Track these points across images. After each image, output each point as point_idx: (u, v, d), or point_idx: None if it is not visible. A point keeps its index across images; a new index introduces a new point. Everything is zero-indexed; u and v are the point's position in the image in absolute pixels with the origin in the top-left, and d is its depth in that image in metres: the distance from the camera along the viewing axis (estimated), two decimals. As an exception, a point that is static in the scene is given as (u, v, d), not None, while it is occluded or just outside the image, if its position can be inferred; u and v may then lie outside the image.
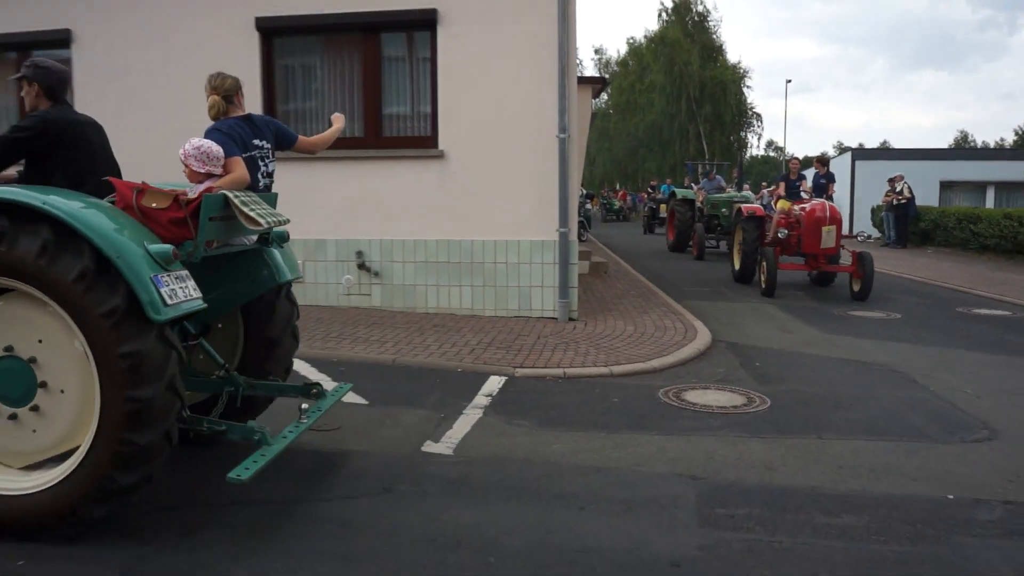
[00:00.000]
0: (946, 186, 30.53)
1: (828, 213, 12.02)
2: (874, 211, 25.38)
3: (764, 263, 12.32)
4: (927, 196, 28.01)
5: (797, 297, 12.45)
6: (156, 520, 4.07)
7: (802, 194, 13.46)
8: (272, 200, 4.53)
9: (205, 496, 4.36)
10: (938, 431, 5.82)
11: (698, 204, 21.31)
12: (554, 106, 9.19)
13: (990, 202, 30.27)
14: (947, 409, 6.35)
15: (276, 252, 4.71)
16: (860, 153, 30.99)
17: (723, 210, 19.82)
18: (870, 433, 5.75)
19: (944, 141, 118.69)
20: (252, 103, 9.44)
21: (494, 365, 7.17)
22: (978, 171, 30.41)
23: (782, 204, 13.42)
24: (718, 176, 23.03)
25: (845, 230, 24.93)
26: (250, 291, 4.62)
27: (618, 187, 58.60)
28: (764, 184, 34.90)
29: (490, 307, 9.63)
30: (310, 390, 4.85)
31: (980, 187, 30.53)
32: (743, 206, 14.54)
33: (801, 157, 14.53)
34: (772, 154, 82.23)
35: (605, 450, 5.24)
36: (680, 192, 22.37)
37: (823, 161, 13.88)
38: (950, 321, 10.53)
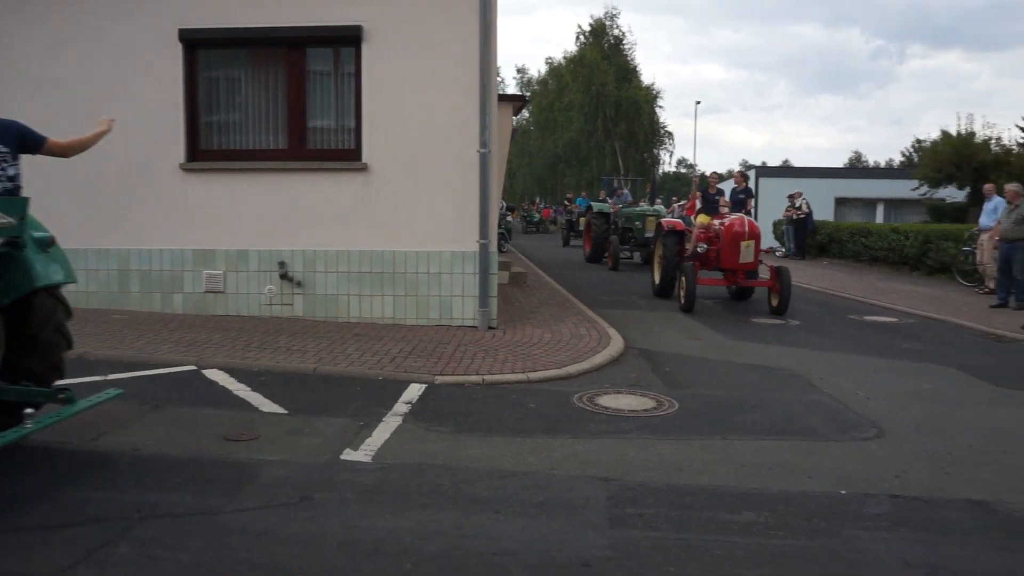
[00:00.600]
0: (841, 202, 31.19)
1: (747, 228, 11.76)
2: (776, 224, 25.96)
3: (683, 278, 11.68)
4: (823, 211, 28.63)
5: (713, 310, 12.07)
6: (61, 538, 3.89)
7: (721, 209, 13.02)
8: (15, 204, 4.41)
9: (114, 511, 4.19)
10: (832, 431, 5.94)
11: (613, 217, 21.37)
12: (475, 122, 9.14)
13: (880, 217, 30.80)
14: (840, 410, 6.46)
15: (33, 256, 4.61)
16: (763, 171, 31.70)
17: (636, 223, 19.82)
18: (770, 433, 5.84)
19: (839, 160, 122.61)
20: (174, 114, 9.30)
21: (415, 373, 7.09)
22: (869, 189, 30.96)
23: (701, 219, 13.04)
24: (625, 192, 23.14)
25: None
26: (2, 295, 4.58)
27: (539, 201, 58.70)
28: (675, 199, 34.95)
29: (412, 316, 9.50)
30: (58, 395, 4.71)
31: (871, 203, 31.08)
32: (664, 220, 14.22)
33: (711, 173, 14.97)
34: (683, 170, 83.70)
35: (521, 455, 5.24)
36: (596, 205, 22.40)
37: (743, 176, 13.97)
38: (844, 328, 10.70)
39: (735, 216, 12.14)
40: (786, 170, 35.22)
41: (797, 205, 23.26)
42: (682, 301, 11.71)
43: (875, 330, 10.54)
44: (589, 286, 15.03)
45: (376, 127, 9.37)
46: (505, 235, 23.41)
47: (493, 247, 9.47)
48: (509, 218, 29.67)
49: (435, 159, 9.40)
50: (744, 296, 13.29)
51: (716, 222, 12.57)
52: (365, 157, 9.43)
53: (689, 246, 13.02)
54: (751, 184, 29.47)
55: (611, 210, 21.53)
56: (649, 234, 19.44)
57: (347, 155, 9.46)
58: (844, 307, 12.82)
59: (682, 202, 27.10)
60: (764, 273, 13.23)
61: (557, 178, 53.59)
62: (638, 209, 20.45)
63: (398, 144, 9.39)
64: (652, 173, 27.14)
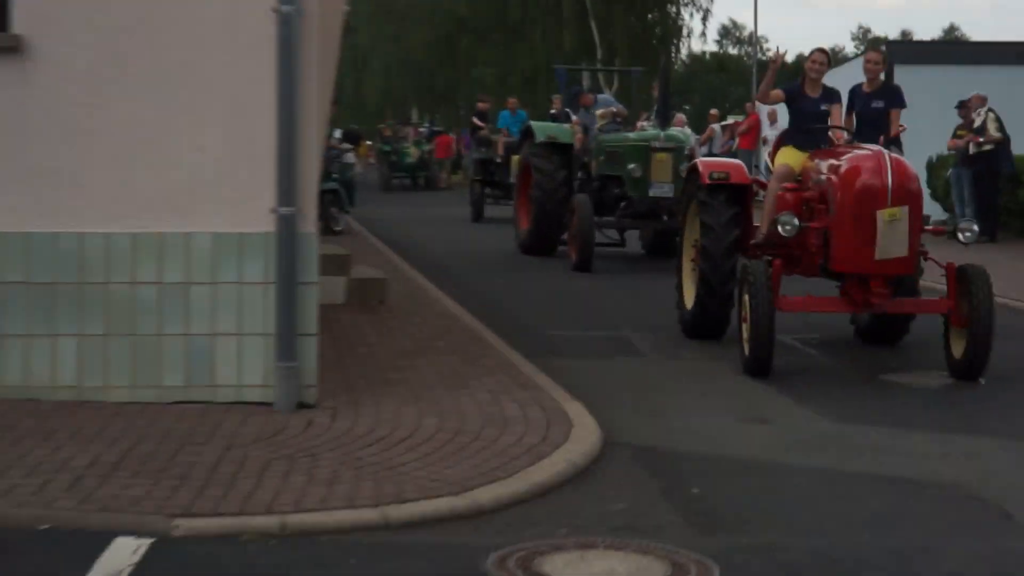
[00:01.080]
0: None
1: (891, 179, 10.50)
2: (931, 167, 24.96)
3: (747, 296, 10.83)
4: None
5: (807, 362, 11.73)
6: None
7: (833, 135, 12.09)
8: None
9: None
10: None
11: (579, 151, 20.74)
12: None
13: None
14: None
15: None
16: (904, 49, 29.94)
17: (630, 165, 18.93)
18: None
19: None
20: None
21: (126, 512, 6.94)
22: None
23: (785, 157, 11.90)
24: (604, 97, 22.17)
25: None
26: None
27: (417, 120, 56.98)
28: (714, 115, 33.50)
29: (123, 382, 9.29)
30: None
31: None
32: (699, 160, 13.08)
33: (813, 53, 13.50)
34: (733, 50, 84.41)
35: None
36: (541, 128, 21.31)
37: (880, 58, 12.82)
38: None
39: (866, 151, 11.06)
40: (951, 49, 32.57)
41: (978, 125, 22.24)
42: (746, 352, 10.86)
43: None
44: (529, 308, 14.99)
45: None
46: (339, 196, 22.91)
47: (311, 222, 9.25)
48: (350, 159, 27.79)
49: (176, 30, 9.35)
50: (891, 333, 12.47)
51: (820, 163, 11.58)
52: (19, 25, 9.28)
53: (760, 225, 12.22)
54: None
55: (574, 137, 20.78)
56: (660, 188, 18.91)
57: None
58: None
59: (732, 120, 25.76)
60: (933, 281, 12.82)
61: (457, 69, 55.20)
62: (633, 136, 19.80)
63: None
64: (663, 58, 24.78)
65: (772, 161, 12.98)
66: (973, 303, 10.63)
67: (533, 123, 22.08)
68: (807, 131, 12.30)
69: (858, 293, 11.07)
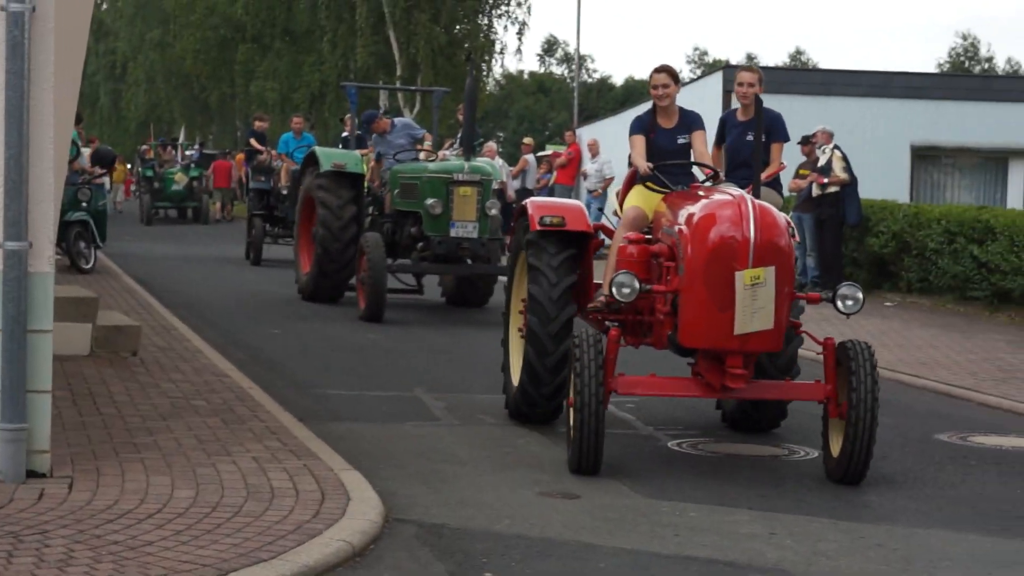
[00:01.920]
0: (924, 155, 31.49)
1: (753, 231, 9.66)
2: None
3: (574, 372, 9.92)
4: (887, 176, 27.63)
5: (637, 439, 11.53)
6: None
7: (694, 171, 11.42)
8: None
9: None
10: None
11: (369, 183, 20.79)
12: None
13: (1016, 193, 31.19)
14: None
15: None
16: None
17: (428, 200, 18.75)
18: None
19: (924, 60, 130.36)
20: None
21: None
22: (993, 124, 30.84)
23: (636, 199, 11.13)
24: (407, 122, 22.27)
25: None
26: None
27: (184, 142, 56.38)
28: (528, 144, 34.42)
29: None
30: None
31: (996, 159, 32.35)
32: (530, 202, 12.18)
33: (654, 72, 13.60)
34: (558, 70, 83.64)
35: None
36: (327, 155, 21.06)
37: (751, 80, 12.30)
38: (928, 466, 10.86)
39: (724, 196, 10.24)
40: (799, 78, 33.76)
41: (822, 164, 22.89)
42: (575, 444, 10.06)
43: (1000, 471, 10.87)
44: (307, 364, 15.19)
45: None
46: (89, 229, 22.65)
47: (46, 260, 9.18)
48: (106, 187, 27.34)
49: None
50: (763, 419, 12.08)
51: (673, 210, 10.74)
52: None
53: (602, 283, 11.48)
54: (708, 107, 29.00)
55: (365, 167, 20.80)
56: (464, 228, 18.88)
57: None
58: (930, 412, 13.38)
59: (550, 150, 25.87)
60: (807, 360, 12.04)
61: (233, 83, 53.51)
62: (432, 167, 19.67)
63: None
64: (471, 78, 24.30)
65: (620, 204, 12.17)
66: (852, 393, 9.78)
67: (318, 149, 21.98)
68: (662, 169, 11.59)
69: (713, 374, 10.14)
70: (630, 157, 12.14)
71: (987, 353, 16.99)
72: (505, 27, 53.40)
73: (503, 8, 48.12)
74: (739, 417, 12.18)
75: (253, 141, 31.77)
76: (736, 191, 10.39)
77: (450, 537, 8.38)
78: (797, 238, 11.70)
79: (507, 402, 12.35)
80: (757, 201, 10.11)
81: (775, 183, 12.35)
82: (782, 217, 10.20)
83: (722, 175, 11.82)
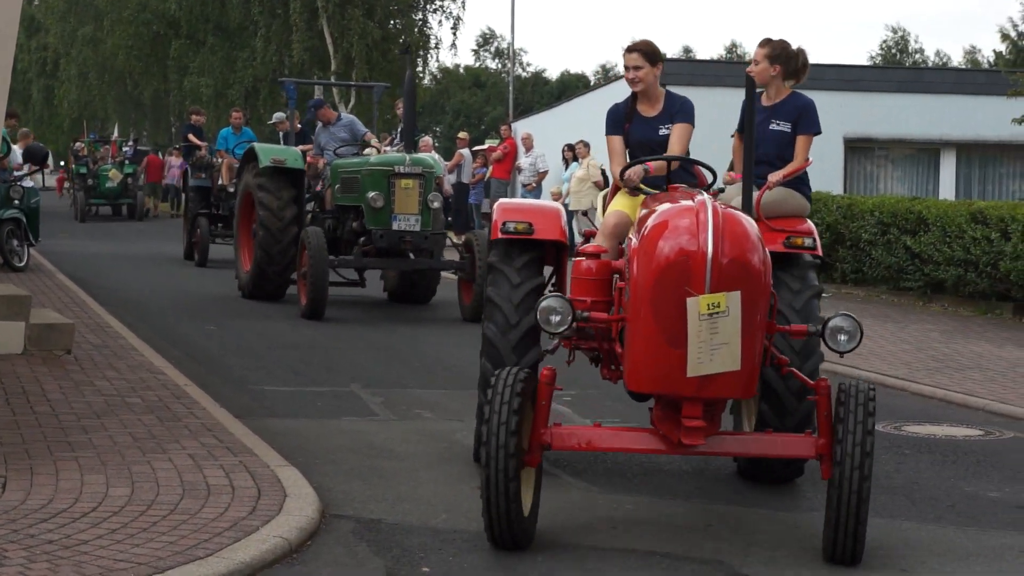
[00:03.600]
0: (856, 148, 32.80)
1: (711, 245, 7.53)
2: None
3: (485, 426, 7.86)
4: (822, 169, 27.39)
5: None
6: None
7: (698, 169, 9.43)
8: None
9: None
10: None
11: (312, 180, 20.59)
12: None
13: (947, 185, 32.32)
14: None
15: None
16: (682, 69, 31.75)
17: (370, 194, 18.35)
18: None
19: (856, 52, 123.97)
20: None
21: None
22: (925, 117, 32.69)
23: (621, 202, 9.24)
24: (350, 117, 21.91)
25: None
26: None
27: (115, 135, 56.25)
28: (463, 139, 34.40)
29: None
30: None
31: (928, 151, 33.21)
32: (501, 204, 10.17)
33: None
34: (493, 64, 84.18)
35: None
36: (266, 151, 20.70)
37: (768, 55, 10.03)
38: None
39: (683, 202, 8.09)
40: (733, 71, 32.86)
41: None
42: (484, 507, 8.01)
43: (933, 459, 10.99)
44: (244, 360, 15.09)
45: None
46: (21, 227, 22.54)
47: None
48: (28, 184, 27.06)
49: None
50: (769, 468, 10.07)
51: (640, 222, 8.52)
52: None
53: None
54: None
55: (301, 162, 20.38)
56: (406, 221, 18.69)
57: None
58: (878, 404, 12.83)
59: (488, 144, 25.86)
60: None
61: (167, 79, 53.62)
62: (373, 160, 19.43)
63: None
64: (409, 73, 22.99)
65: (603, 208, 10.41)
66: (837, 446, 7.67)
67: (257, 145, 21.76)
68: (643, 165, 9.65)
69: (667, 425, 7.98)
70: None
71: (921, 343, 17.13)
72: (440, 22, 53.39)
73: (437, 3, 47.95)
74: (745, 465, 10.13)
75: (191, 136, 30.88)
76: (701, 197, 8.13)
77: (387, 532, 8.39)
78: (819, 251, 9.41)
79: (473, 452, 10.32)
80: (726, 208, 7.93)
81: (801, 183, 9.97)
82: (755, 228, 7.94)
83: (727, 176, 10.34)
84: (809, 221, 9.58)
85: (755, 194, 8.89)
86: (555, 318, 8.05)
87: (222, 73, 50.46)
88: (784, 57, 9.93)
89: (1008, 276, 18.91)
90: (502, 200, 10.74)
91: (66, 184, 53.35)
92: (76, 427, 10.61)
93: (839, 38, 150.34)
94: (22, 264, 22.24)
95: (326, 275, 18.35)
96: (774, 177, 9.34)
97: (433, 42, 49.60)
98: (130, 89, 58.18)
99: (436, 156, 23.83)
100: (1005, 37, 56.93)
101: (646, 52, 9.68)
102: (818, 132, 9.97)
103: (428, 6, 49.32)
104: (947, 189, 32.09)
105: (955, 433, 12.22)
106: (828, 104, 32.05)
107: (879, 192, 30.65)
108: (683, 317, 7.55)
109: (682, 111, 9.79)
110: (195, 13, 50.68)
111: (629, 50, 9.81)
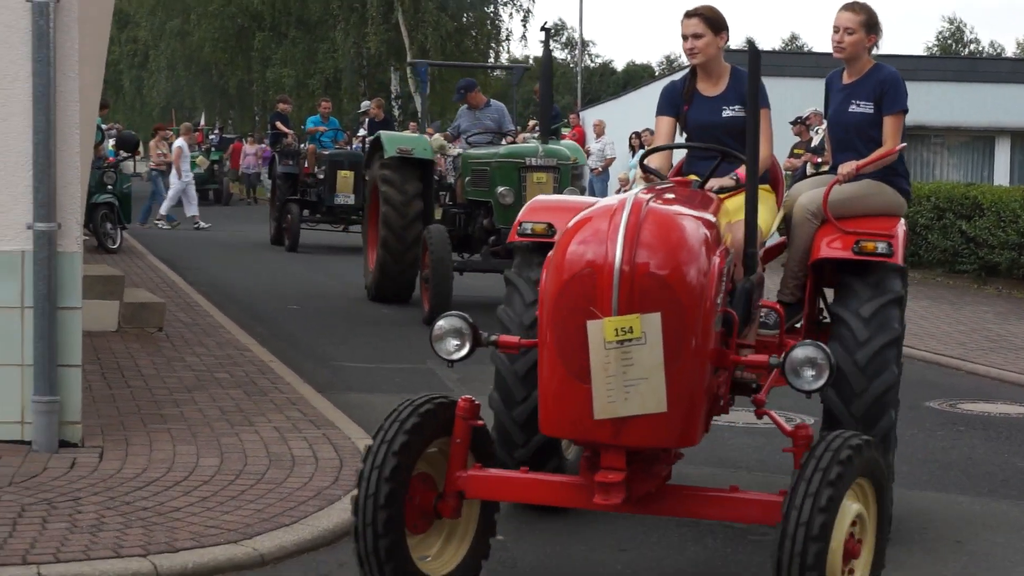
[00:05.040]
0: (913, 135, 31.85)
1: (620, 253, 5.86)
2: None
3: (364, 463, 6.22)
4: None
5: None
6: None
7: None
8: None
9: None
10: None
11: (441, 172, 18.52)
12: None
13: (1003, 171, 32.27)
14: None
15: None
16: (738, 60, 31.24)
17: (499, 188, 16.48)
18: None
19: (914, 41, 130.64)
20: None
21: None
22: (980, 104, 32.62)
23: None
24: (502, 106, 19.69)
25: None
26: None
27: (202, 125, 55.78)
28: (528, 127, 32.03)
29: None
30: None
31: (984, 137, 33.10)
32: (533, 199, 7.04)
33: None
34: (562, 55, 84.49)
35: None
36: (391, 140, 18.46)
37: (852, 22, 8.10)
38: (919, 430, 10.93)
39: (609, 200, 6.65)
40: (793, 61, 33.76)
41: (816, 145, 22.32)
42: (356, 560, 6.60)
43: (987, 436, 10.90)
44: (325, 338, 15.17)
45: None
46: (114, 211, 22.44)
47: (74, 240, 9.25)
48: (128, 169, 26.62)
49: None
50: None
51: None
52: None
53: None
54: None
55: (434, 152, 18.14)
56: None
57: None
58: (921, 381, 13.09)
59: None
60: None
61: (251, 70, 53.36)
62: (504, 151, 17.39)
63: None
64: (545, 54, 19.89)
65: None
66: (785, 500, 5.54)
67: (383, 133, 19.29)
68: (699, 155, 8.10)
69: (590, 476, 6.05)
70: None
71: (975, 324, 17.01)
72: (510, 15, 53.12)
73: None
74: None
75: (279, 124, 30.55)
76: (637, 192, 6.37)
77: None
78: (897, 259, 7.50)
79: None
80: (659, 207, 6.14)
81: (894, 173, 8.04)
82: (696, 234, 6.08)
83: (787, 162, 8.17)
84: (902, 222, 7.78)
85: (823, 189, 7.75)
86: (450, 344, 6.49)
87: (303, 64, 50.78)
88: (878, 25, 8.05)
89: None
90: (536, 198, 8.71)
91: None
92: (168, 400, 10.71)
93: (897, 29, 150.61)
94: (115, 246, 22.42)
95: (450, 279, 16.36)
96: (846, 168, 7.49)
97: (504, 34, 49.50)
98: (216, 80, 58.39)
99: (575, 145, 20.41)
100: (1059, 27, 56.16)
101: (708, 18, 7.73)
102: (905, 110, 8.05)
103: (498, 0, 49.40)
104: (1002, 175, 31.82)
105: (1009, 411, 12.15)
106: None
107: (935, 179, 30.32)
108: (585, 345, 5.85)
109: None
110: (277, 7, 51.23)
111: (688, 15, 7.82)
